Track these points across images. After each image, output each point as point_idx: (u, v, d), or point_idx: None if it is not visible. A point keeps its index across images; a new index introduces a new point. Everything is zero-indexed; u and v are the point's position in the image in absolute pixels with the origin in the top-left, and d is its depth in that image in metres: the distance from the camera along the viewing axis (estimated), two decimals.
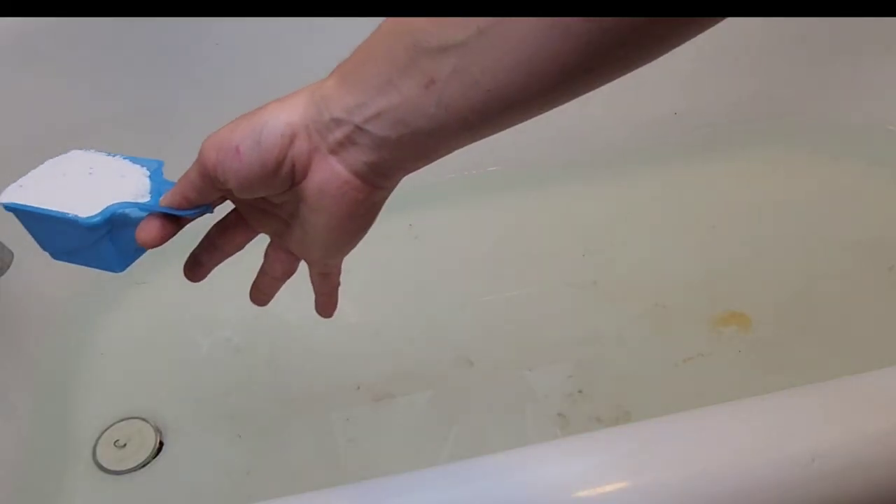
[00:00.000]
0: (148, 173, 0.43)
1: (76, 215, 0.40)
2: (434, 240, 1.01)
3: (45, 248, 0.44)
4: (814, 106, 1.09)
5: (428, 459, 0.80)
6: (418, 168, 0.35)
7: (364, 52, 0.34)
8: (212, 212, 0.42)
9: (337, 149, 0.35)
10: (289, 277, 0.46)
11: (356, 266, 0.99)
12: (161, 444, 0.84)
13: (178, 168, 1.11)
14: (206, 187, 0.39)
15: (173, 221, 0.41)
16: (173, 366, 0.91)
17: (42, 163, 0.45)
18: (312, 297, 1.05)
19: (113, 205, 0.40)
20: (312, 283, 0.46)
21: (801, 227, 1.00)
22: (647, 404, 0.83)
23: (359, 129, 0.33)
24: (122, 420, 0.85)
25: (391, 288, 0.98)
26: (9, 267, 0.72)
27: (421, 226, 1.01)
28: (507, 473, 0.46)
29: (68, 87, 0.90)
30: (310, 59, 0.96)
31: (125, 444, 0.83)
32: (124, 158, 0.44)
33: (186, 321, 0.96)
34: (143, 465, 0.82)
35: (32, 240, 0.44)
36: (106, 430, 0.85)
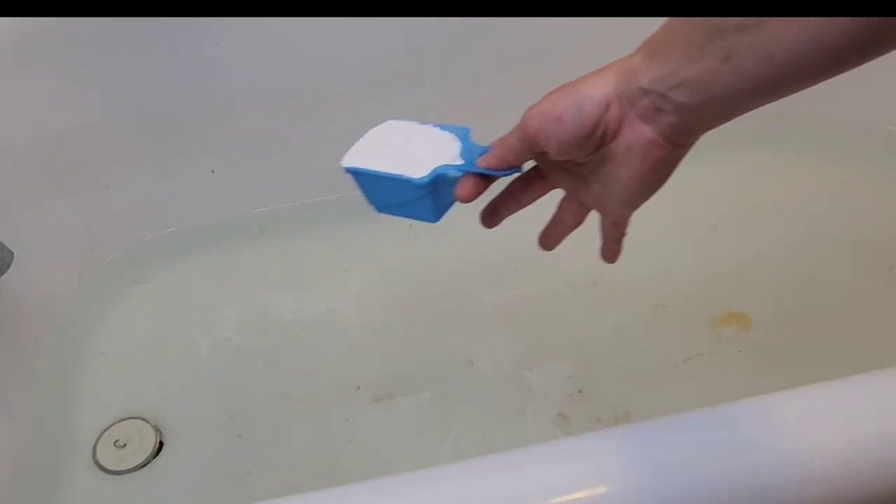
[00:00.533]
0: (457, 138, 0.50)
1: (409, 176, 0.47)
2: (434, 240, 1.01)
3: (372, 202, 0.52)
4: (814, 106, 1.09)
5: (428, 459, 0.80)
6: (714, 127, 0.41)
7: (666, 31, 0.39)
8: (520, 171, 0.49)
9: (644, 114, 0.40)
10: (577, 227, 0.53)
11: (356, 266, 1.00)
12: (161, 444, 0.84)
13: (180, 167, 1.10)
14: (524, 151, 0.45)
15: (485, 180, 0.48)
16: (173, 366, 0.91)
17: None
18: (312, 297, 1.05)
19: (438, 167, 0.48)
20: (603, 230, 0.52)
21: (801, 228, 1.00)
22: (647, 404, 0.83)
23: (663, 96, 0.39)
24: (122, 420, 0.85)
25: (391, 288, 0.98)
26: (9, 267, 0.73)
27: (421, 226, 1.01)
28: (507, 473, 0.46)
29: (68, 87, 0.90)
30: (310, 59, 0.97)
31: (125, 444, 0.83)
32: (434, 126, 0.51)
33: (186, 321, 0.96)
34: (143, 465, 0.82)
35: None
36: (106, 430, 0.85)
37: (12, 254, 0.73)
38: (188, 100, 0.95)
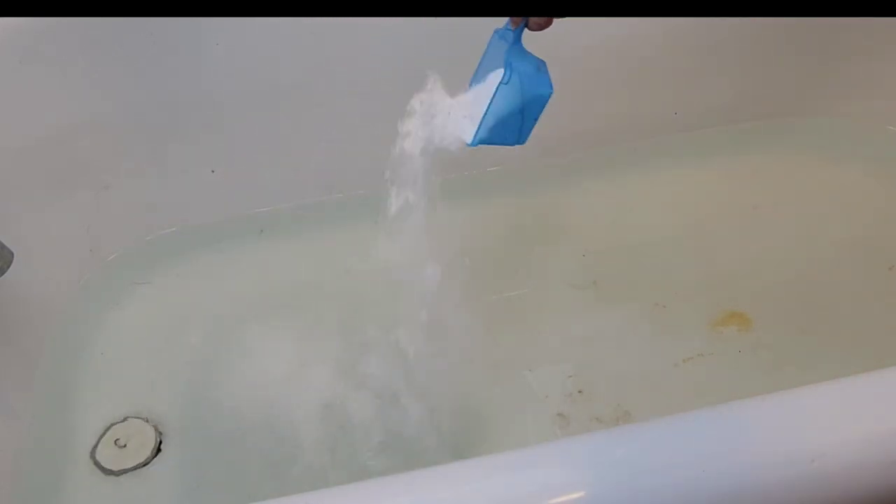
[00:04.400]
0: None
1: (496, 82, 0.54)
2: (434, 240, 1.01)
3: (514, 141, 0.57)
4: (814, 106, 1.09)
5: (428, 459, 0.80)
6: None
7: None
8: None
9: None
10: None
11: (356, 266, 1.00)
12: (161, 444, 0.84)
13: (180, 167, 1.10)
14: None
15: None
16: (173, 366, 0.91)
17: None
18: (312, 298, 1.04)
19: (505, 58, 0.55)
20: None
21: (801, 227, 1.00)
22: (647, 404, 0.83)
23: None
24: (122, 420, 0.85)
25: (391, 288, 0.98)
26: (9, 267, 0.73)
27: (421, 226, 1.01)
28: (508, 473, 0.46)
29: (68, 87, 0.90)
30: (310, 59, 0.97)
31: (125, 444, 0.83)
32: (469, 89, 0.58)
33: (186, 321, 0.96)
34: (143, 465, 0.82)
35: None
36: (106, 430, 0.85)
37: (12, 254, 0.73)
38: (188, 100, 0.95)
